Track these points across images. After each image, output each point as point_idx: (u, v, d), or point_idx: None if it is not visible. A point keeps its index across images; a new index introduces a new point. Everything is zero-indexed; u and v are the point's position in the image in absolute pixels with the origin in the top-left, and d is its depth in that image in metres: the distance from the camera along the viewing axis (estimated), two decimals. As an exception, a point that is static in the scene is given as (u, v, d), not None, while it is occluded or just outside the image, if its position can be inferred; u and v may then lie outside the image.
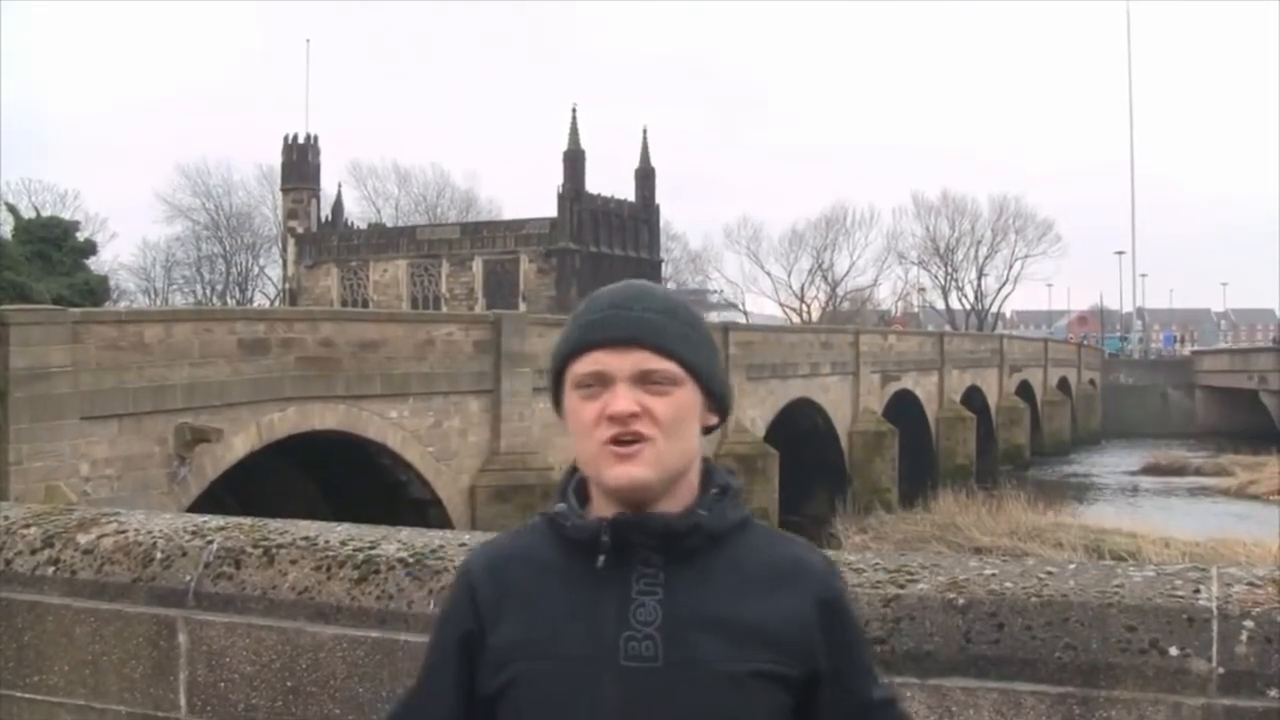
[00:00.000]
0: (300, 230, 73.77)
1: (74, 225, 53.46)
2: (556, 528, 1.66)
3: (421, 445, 23.09)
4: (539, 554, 1.67)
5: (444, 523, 21.89)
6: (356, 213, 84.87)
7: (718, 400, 1.68)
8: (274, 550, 3.10)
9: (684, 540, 1.60)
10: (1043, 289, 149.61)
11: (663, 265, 78.40)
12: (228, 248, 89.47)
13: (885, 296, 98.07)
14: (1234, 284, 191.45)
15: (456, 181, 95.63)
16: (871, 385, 39.63)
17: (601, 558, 1.59)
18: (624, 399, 1.59)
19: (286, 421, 20.14)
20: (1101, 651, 2.31)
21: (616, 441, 1.58)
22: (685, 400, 1.62)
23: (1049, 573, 2.52)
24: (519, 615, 1.63)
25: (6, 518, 3.51)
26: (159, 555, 3.19)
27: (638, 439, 1.58)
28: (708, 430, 1.69)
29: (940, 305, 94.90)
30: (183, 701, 3.06)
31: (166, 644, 3.08)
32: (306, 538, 3.15)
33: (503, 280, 67.25)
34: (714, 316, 74.97)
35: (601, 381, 1.61)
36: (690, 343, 1.63)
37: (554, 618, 1.61)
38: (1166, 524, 30.70)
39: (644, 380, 1.60)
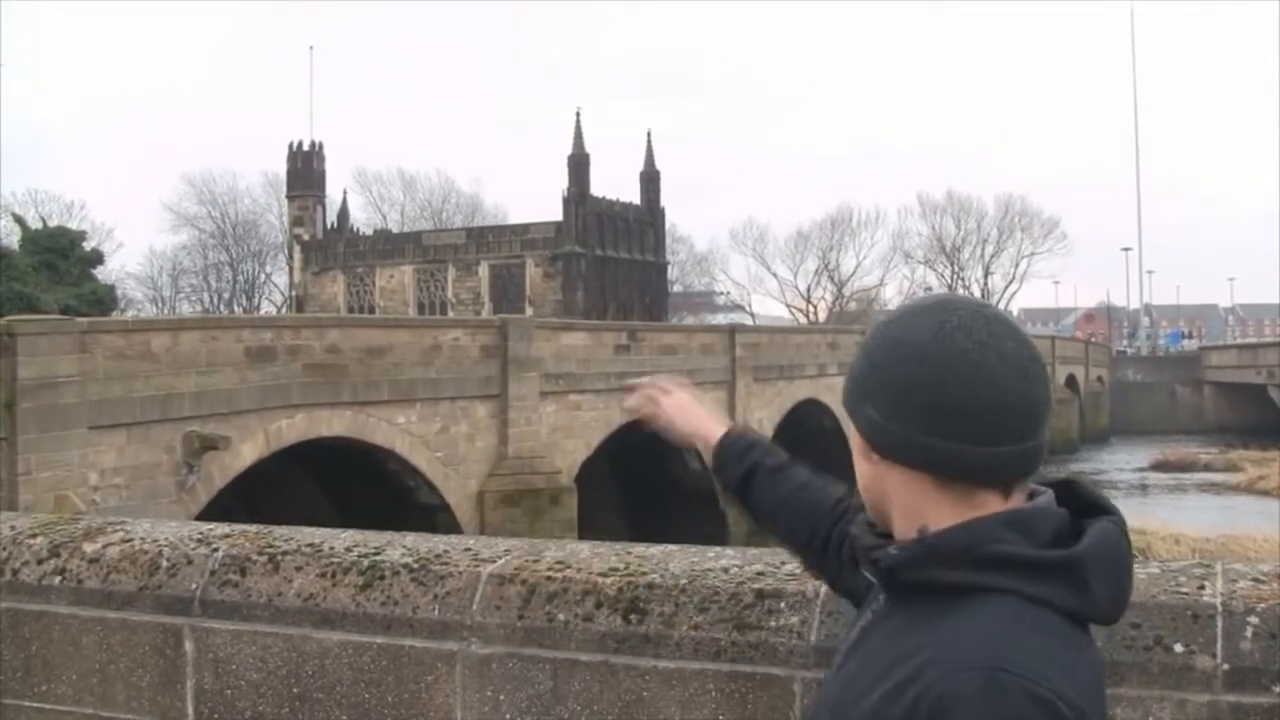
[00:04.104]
0: (306, 237, 73.89)
1: (80, 235, 53.52)
2: None
3: (429, 450, 23.12)
4: None
5: (452, 528, 21.91)
6: (362, 219, 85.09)
7: (864, 433, 1.56)
8: (279, 557, 3.10)
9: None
10: (1049, 286, 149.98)
11: (669, 268, 78.43)
12: (234, 256, 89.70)
13: (892, 296, 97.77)
14: (1241, 279, 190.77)
15: (461, 187, 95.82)
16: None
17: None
18: None
19: (294, 428, 20.18)
20: (1106, 649, 2.30)
21: None
22: (855, 438, 1.60)
23: (1053, 571, 2.51)
24: None
25: (13, 527, 3.52)
26: (165, 563, 3.19)
27: None
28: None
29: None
30: (190, 709, 3.06)
31: (173, 652, 3.09)
32: (311, 544, 3.16)
33: (509, 285, 67.29)
34: (720, 318, 75.07)
35: None
36: (846, 392, 1.59)
37: None
38: (1176, 520, 30.66)
39: None
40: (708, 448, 2.23)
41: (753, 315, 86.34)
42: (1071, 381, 63.78)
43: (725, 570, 2.74)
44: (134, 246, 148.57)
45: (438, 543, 3.12)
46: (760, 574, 2.69)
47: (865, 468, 1.57)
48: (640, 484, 31.33)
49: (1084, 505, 1.52)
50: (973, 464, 1.45)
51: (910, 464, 1.49)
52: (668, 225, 76.13)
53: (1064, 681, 1.32)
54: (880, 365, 1.51)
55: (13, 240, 53.28)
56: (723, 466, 2.18)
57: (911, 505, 1.50)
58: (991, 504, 1.46)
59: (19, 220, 55.95)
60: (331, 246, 73.76)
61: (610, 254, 67.13)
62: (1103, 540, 1.46)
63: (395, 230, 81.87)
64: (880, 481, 1.54)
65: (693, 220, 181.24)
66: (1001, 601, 1.38)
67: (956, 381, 1.44)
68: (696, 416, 2.29)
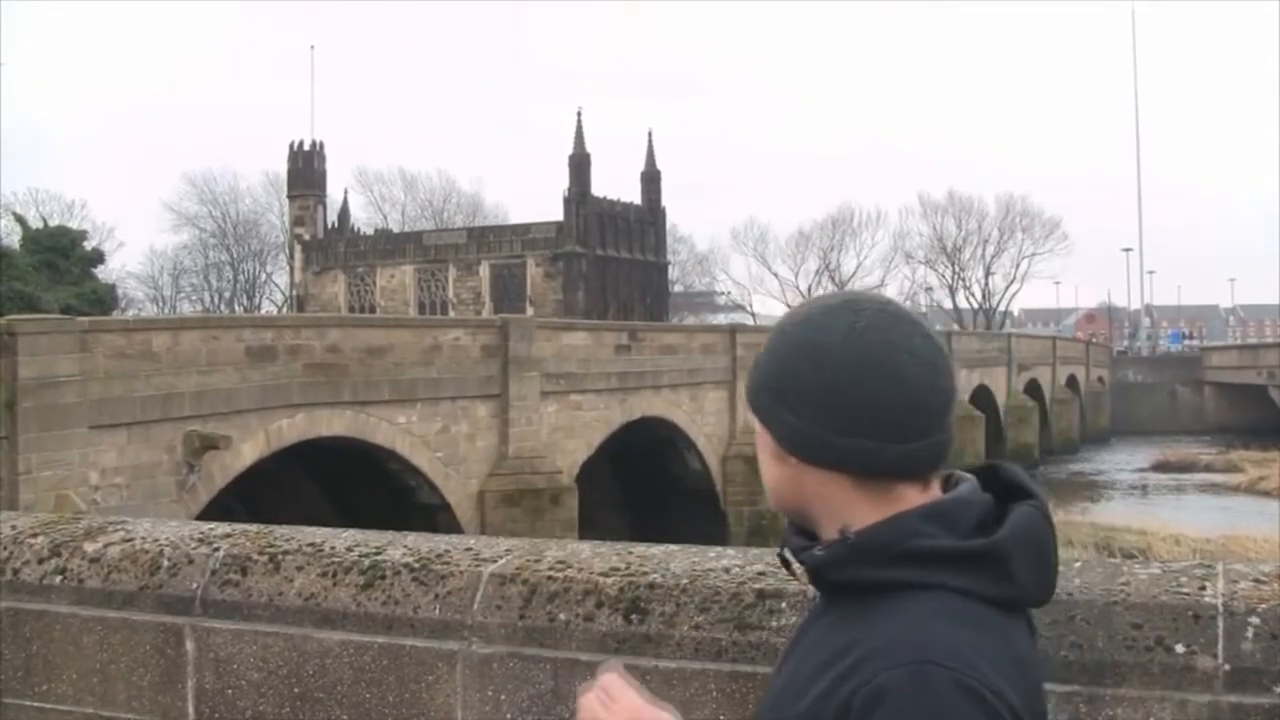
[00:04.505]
0: (307, 237, 73.89)
1: (81, 235, 53.56)
2: None
3: (430, 450, 23.12)
4: None
5: (453, 527, 21.92)
6: (363, 219, 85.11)
7: (773, 433, 1.55)
8: (280, 557, 3.11)
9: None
10: (1050, 287, 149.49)
11: (669, 268, 78.43)
12: (235, 255, 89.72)
13: (892, 296, 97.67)
14: (1241, 280, 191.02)
15: (462, 186, 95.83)
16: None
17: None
18: None
19: (295, 428, 20.18)
20: (1107, 649, 2.31)
21: None
22: (763, 440, 1.57)
23: (1054, 571, 2.51)
24: None
25: (14, 527, 3.52)
26: (166, 563, 3.20)
27: None
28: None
29: (948, 304, 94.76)
30: (191, 709, 3.06)
31: (174, 652, 3.09)
32: (312, 544, 3.16)
33: (509, 285, 67.28)
34: (721, 318, 75.09)
35: None
36: (751, 390, 1.58)
37: None
38: (1176, 521, 30.70)
39: None
40: None
41: (754, 315, 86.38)
42: (1072, 382, 63.77)
43: (726, 570, 2.74)
44: (135, 246, 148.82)
45: (439, 542, 3.12)
46: (761, 574, 2.69)
47: (778, 470, 1.55)
48: (641, 484, 31.34)
49: (1009, 489, 1.53)
50: (891, 461, 1.46)
51: (828, 465, 1.49)
52: (668, 225, 76.16)
53: (991, 670, 1.33)
54: (791, 368, 1.50)
55: (13, 240, 53.34)
56: None
57: (832, 505, 1.50)
58: (910, 497, 1.47)
59: (20, 220, 56.02)
60: (332, 246, 73.76)
61: (611, 254, 67.13)
62: (1022, 525, 1.46)
63: (396, 230, 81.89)
64: (797, 483, 1.53)
65: (693, 220, 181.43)
66: (929, 595, 1.39)
67: (873, 381, 1.45)
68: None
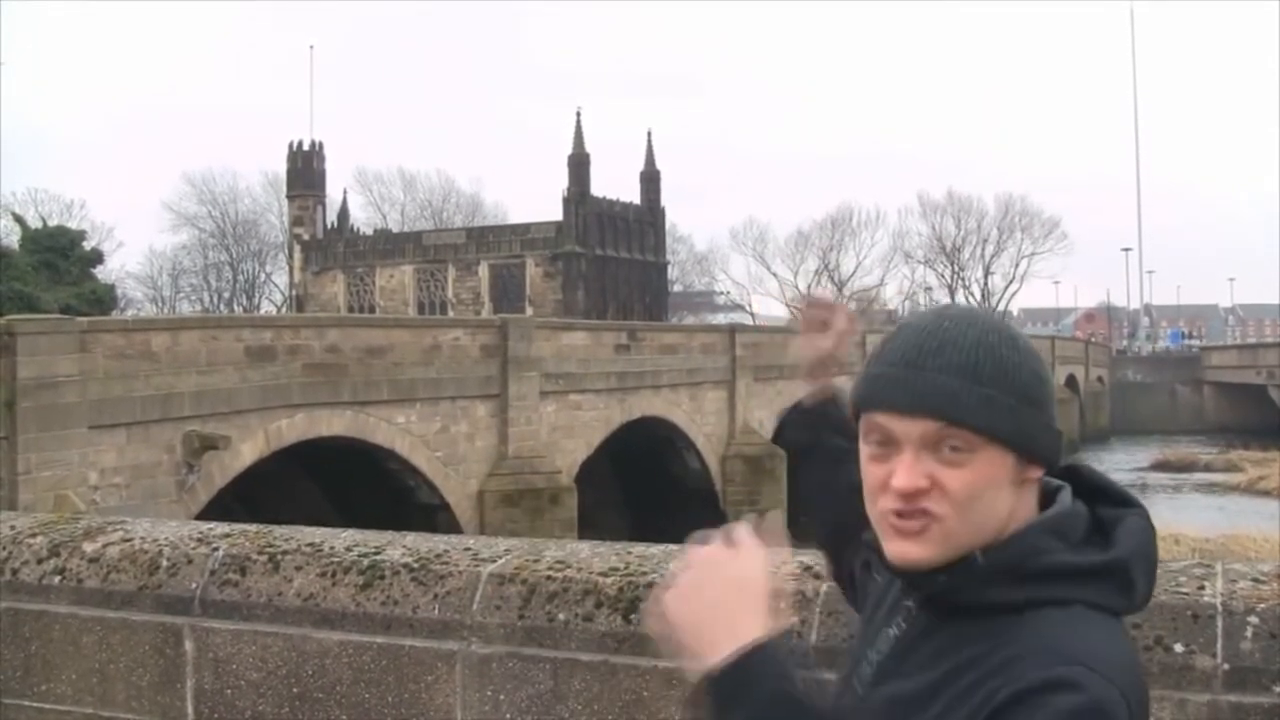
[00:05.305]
0: (306, 237, 73.90)
1: (80, 235, 53.50)
2: None
3: (429, 450, 23.13)
4: None
5: (452, 527, 21.91)
6: (362, 219, 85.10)
7: (1039, 453, 1.42)
8: (279, 557, 3.10)
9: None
10: (1050, 286, 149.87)
11: (669, 268, 78.44)
12: (234, 255, 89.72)
13: (892, 296, 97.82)
14: (1241, 279, 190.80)
15: (462, 186, 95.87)
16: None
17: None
18: (909, 472, 1.38)
19: (294, 428, 20.18)
20: (1106, 649, 2.31)
21: (899, 515, 1.40)
22: (986, 470, 1.38)
23: (1053, 571, 2.51)
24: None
25: (13, 527, 3.52)
26: (165, 563, 3.19)
27: (925, 515, 1.39)
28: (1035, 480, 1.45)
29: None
30: (190, 709, 3.06)
31: (173, 652, 3.09)
32: (311, 544, 3.16)
33: (509, 284, 67.28)
34: (720, 318, 75.06)
35: (890, 442, 1.41)
36: (994, 407, 1.37)
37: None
38: (1176, 520, 30.62)
39: (937, 445, 1.38)
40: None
41: (753, 315, 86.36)
42: (1072, 381, 63.77)
43: (725, 570, 2.73)
44: (134, 246, 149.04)
45: (438, 542, 3.12)
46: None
47: (1011, 497, 1.40)
48: (640, 483, 31.34)
49: (1091, 490, 1.49)
50: (1058, 453, 1.44)
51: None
52: (668, 225, 76.20)
53: (1135, 679, 1.32)
54: (1025, 365, 1.41)
55: (13, 240, 53.29)
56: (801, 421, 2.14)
57: (1005, 518, 1.41)
58: (1031, 503, 1.43)
59: (19, 220, 55.95)
60: (331, 246, 73.77)
61: (610, 254, 67.14)
62: (1140, 539, 1.43)
63: (395, 230, 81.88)
64: (1013, 504, 1.41)
65: (693, 220, 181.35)
66: (1063, 610, 1.35)
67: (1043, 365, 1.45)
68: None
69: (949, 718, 1.31)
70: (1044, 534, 1.39)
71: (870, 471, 1.44)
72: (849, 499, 1.68)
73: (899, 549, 1.40)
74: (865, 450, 1.45)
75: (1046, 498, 1.45)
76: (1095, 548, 1.40)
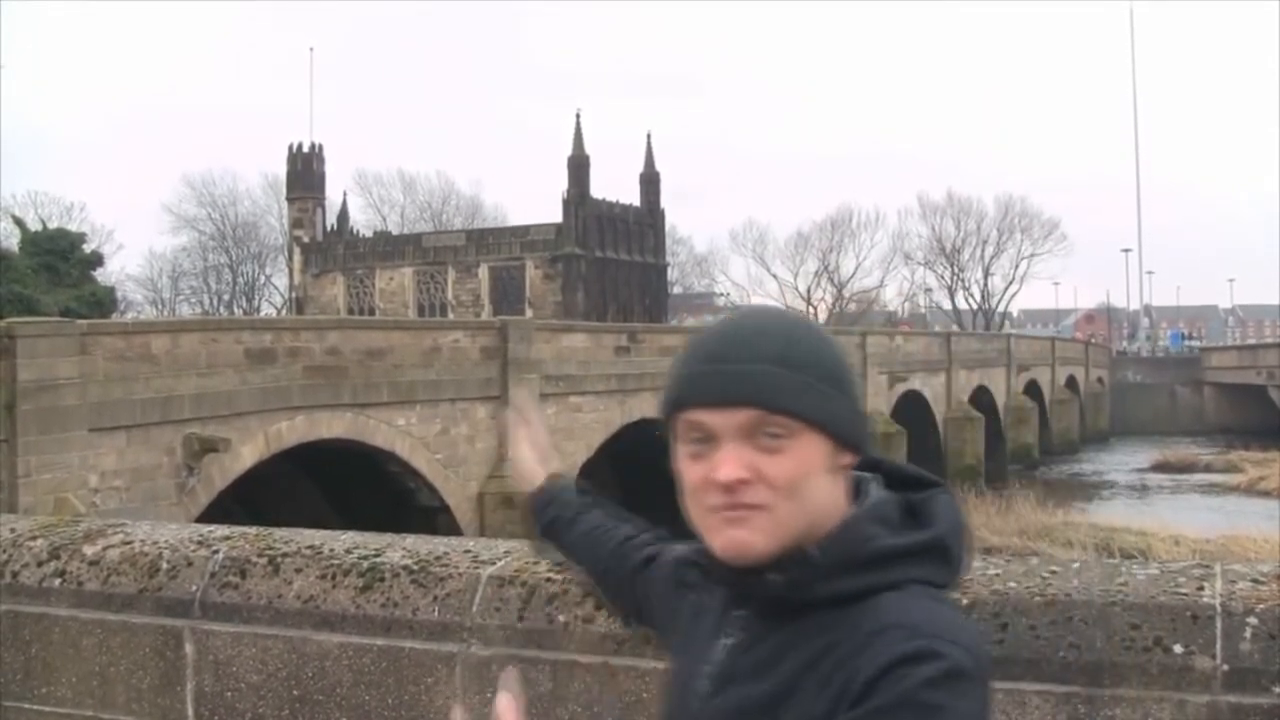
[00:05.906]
0: (306, 239, 73.89)
1: (80, 237, 53.53)
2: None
3: (429, 452, 23.12)
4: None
5: (452, 529, 21.90)
6: (362, 221, 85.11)
7: (852, 439, 1.45)
8: (279, 559, 3.11)
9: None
10: (1049, 288, 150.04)
11: (669, 269, 78.43)
12: (234, 258, 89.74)
13: (892, 297, 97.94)
14: (1241, 280, 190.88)
15: (461, 188, 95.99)
16: (879, 386, 39.59)
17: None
18: (732, 463, 1.40)
19: (294, 430, 20.18)
20: (1106, 650, 2.31)
21: (728, 508, 1.41)
22: (804, 455, 1.40)
23: (1052, 572, 2.51)
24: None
25: (13, 530, 3.52)
26: (165, 566, 3.20)
27: (750, 507, 1.40)
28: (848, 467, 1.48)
29: (947, 305, 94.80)
30: (190, 712, 3.06)
31: (173, 654, 3.09)
32: (311, 546, 3.16)
33: (509, 286, 67.28)
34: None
35: (708, 438, 1.42)
36: (810, 393, 1.40)
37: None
38: (1176, 521, 30.66)
39: (754, 434, 1.39)
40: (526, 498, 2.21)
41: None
42: (1072, 382, 63.76)
43: (725, 571, 2.73)
44: (134, 248, 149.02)
45: (438, 544, 3.11)
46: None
47: (829, 485, 1.44)
48: (641, 485, 31.28)
49: (893, 477, 1.52)
50: (867, 434, 1.50)
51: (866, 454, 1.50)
52: (667, 226, 76.19)
53: (979, 645, 1.38)
54: (823, 350, 1.45)
55: (12, 242, 53.32)
56: (532, 517, 2.18)
57: (830, 509, 1.45)
58: (847, 484, 1.48)
59: (19, 222, 55.95)
60: (331, 248, 73.76)
61: (610, 255, 67.14)
62: (952, 515, 1.48)
63: (395, 232, 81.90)
64: (835, 494, 1.45)
65: (693, 221, 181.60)
66: (901, 589, 1.39)
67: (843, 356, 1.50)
68: (532, 459, 2.23)
69: (814, 706, 1.34)
70: (870, 522, 1.43)
71: (690, 471, 1.46)
72: (606, 538, 2.01)
73: (731, 538, 1.42)
74: (683, 451, 1.47)
75: (853, 490, 1.49)
76: (913, 529, 1.45)
